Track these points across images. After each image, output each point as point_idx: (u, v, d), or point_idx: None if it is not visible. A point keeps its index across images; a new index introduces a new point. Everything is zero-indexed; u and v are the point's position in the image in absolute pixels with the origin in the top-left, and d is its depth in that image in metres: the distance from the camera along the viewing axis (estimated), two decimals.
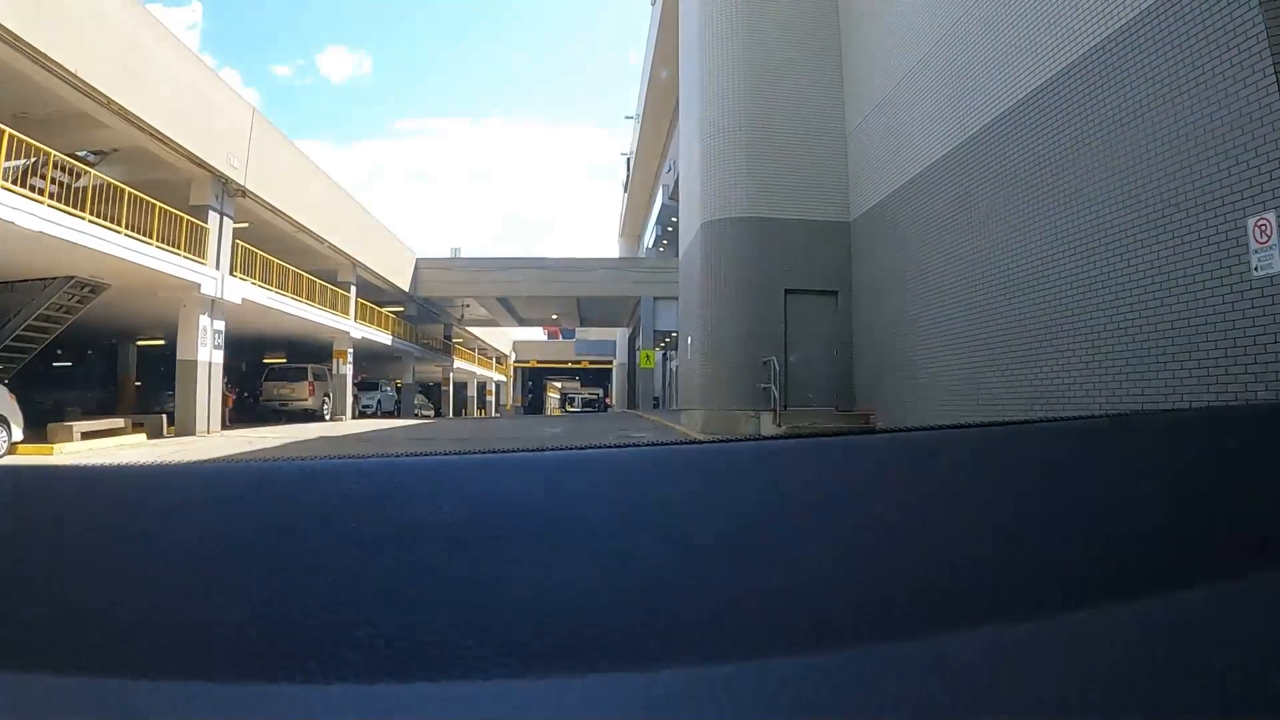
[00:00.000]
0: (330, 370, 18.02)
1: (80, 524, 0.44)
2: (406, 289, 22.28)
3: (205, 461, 0.50)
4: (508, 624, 0.37)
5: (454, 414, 31.15)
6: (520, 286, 22.97)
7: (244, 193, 12.71)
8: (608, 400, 45.51)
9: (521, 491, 0.44)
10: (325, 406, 18.18)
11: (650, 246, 24.94)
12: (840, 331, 9.98)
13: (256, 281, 13.52)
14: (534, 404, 51.50)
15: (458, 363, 31.26)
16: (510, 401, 45.13)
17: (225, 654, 0.36)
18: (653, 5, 19.44)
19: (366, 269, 18.76)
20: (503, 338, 40.94)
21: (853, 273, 10.05)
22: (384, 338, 20.82)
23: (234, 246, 12.69)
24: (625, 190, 34.43)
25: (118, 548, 0.42)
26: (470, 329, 32.62)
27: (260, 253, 13.75)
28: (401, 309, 23.87)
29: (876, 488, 0.46)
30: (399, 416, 23.93)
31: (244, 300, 12.64)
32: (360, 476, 0.44)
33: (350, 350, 18.21)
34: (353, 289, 18.29)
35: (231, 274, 12.53)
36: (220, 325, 12.24)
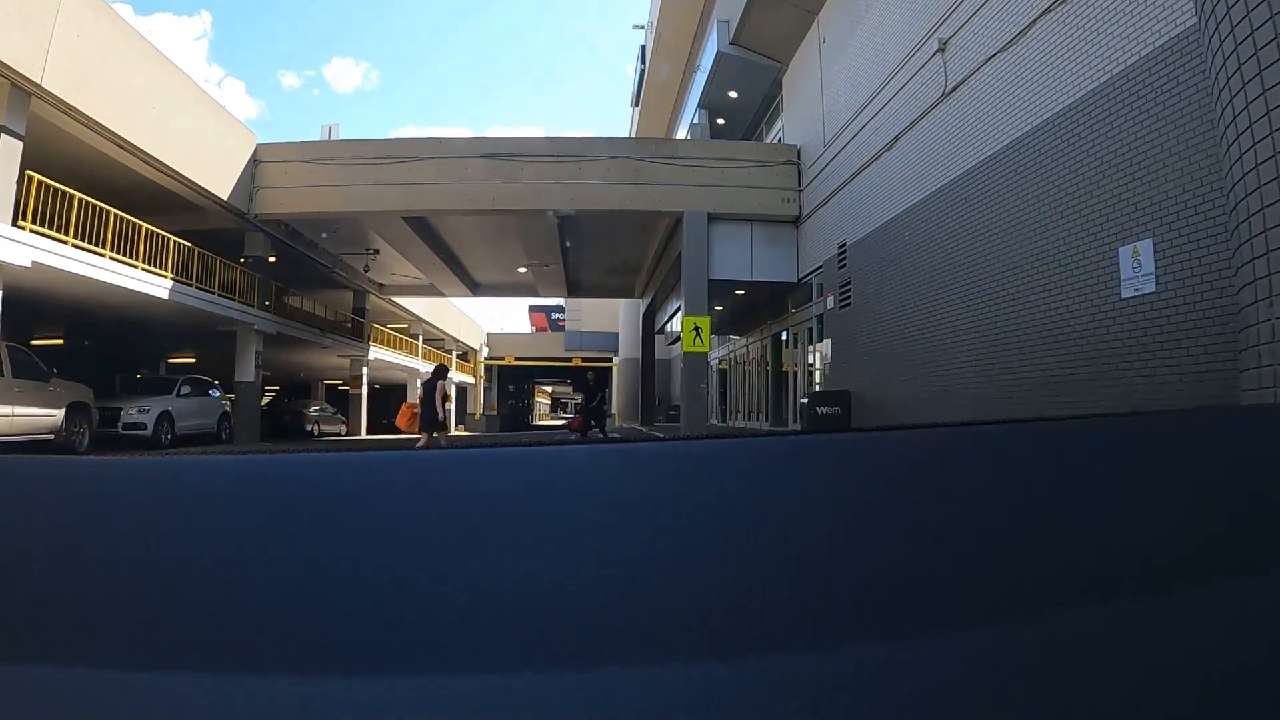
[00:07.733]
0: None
1: (74, 515, 0.45)
2: (226, 197, 11.50)
3: (197, 454, 0.50)
4: (496, 620, 0.37)
5: (370, 431, 20.18)
6: (448, 195, 11.95)
7: None
8: (605, 408, 35.39)
9: (508, 487, 0.44)
10: None
11: (696, 124, 14.06)
12: None
13: None
14: (514, 413, 40.27)
15: (378, 352, 20.42)
16: (480, 410, 34.23)
17: (215, 646, 0.36)
18: None
19: (56, 101, 7.99)
20: (468, 325, 30.28)
21: None
22: (141, 282, 10.05)
23: None
24: (636, 104, 23.88)
25: (109, 539, 0.43)
26: (405, 304, 21.81)
27: None
28: (244, 259, 13.11)
29: (871, 486, 0.46)
30: (228, 439, 13.16)
31: None
32: (350, 471, 0.46)
33: None
34: (4, 137, 7.55)
35: None
36: None
